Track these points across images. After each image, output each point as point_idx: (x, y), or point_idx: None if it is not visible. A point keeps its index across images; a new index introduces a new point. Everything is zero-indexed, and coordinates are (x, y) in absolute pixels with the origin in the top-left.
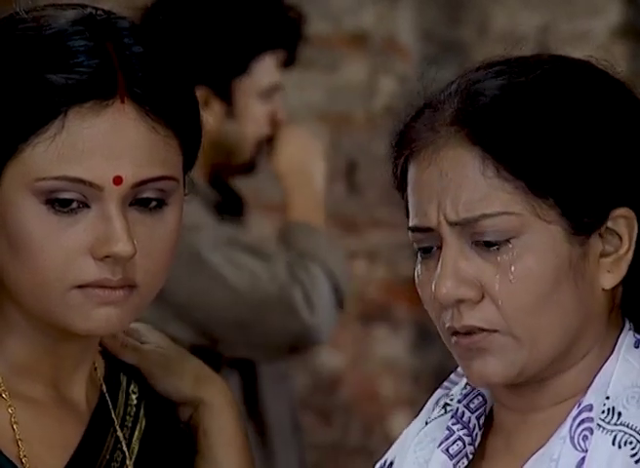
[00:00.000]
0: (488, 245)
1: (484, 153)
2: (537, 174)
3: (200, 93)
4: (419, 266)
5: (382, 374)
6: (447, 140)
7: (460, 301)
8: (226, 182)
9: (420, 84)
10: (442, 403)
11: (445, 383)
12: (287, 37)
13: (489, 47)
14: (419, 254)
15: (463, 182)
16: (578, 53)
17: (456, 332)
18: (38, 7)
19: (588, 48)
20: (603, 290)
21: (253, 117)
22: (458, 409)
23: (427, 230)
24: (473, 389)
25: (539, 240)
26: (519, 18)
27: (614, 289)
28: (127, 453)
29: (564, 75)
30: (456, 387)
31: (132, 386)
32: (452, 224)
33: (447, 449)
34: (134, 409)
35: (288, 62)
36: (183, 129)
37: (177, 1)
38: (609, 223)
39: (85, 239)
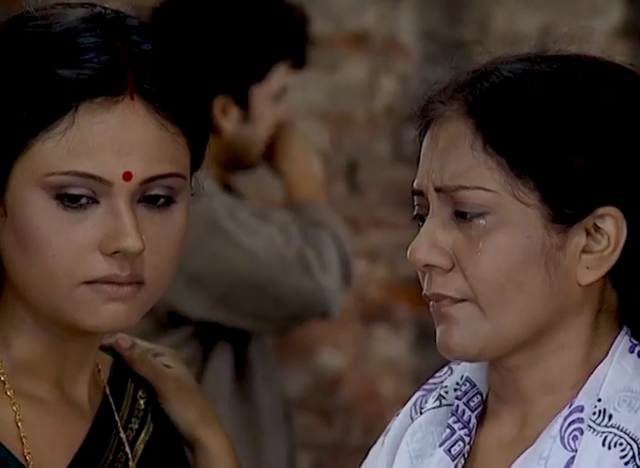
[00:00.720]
0: (462, 216)
1: (476, 126)
2: (518, 152)
3: (219, 100)
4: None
5: (383, 374)
6: (451, 114)
7: (430, 267)
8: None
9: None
10: (435, 394)
11: (424, 386)
12: (299, 42)
13: (490, 47)
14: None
15: (453, 152)
16: (578, 52)
17: (428, 300)
18: (47, 6)
19: (589, 48)
20: (579, 285)
21: (266, 121)
22: (458, 406)
23: (419, 193)
24: (473, 386)
25: (512, 219)
26: (520, 18)
27: (602, 289)
28: (129, 455)
29: (578, 70)
30: (449, 379)
31: (140, 392)
32: (436, 191)
33: (449, 450)
34: (141, 412)
35: (298, 65)
36: (192, 127)
37: (192, 10)
38: (597, 221)
39: (94, 234)
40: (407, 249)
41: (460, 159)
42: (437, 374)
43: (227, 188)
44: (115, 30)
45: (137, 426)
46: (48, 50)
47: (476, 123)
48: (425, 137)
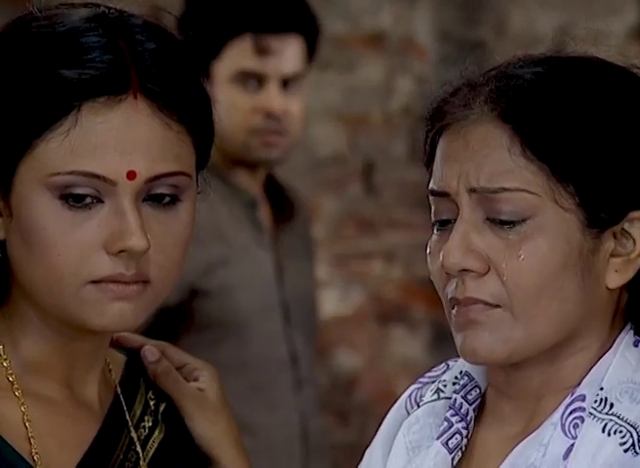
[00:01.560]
0: (502, 223)
1: (513, 131)
2: (561, 159)
3: None
4: (433, 238)
5: (400, 375)
6: (479, 117)
7: (465, 272)
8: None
9: (463, 67)
10: (434, 387)
11: (420, 379)
12: (253, 18)
13: (507, 47)
14: (434, 228)
15: (489, 154)
16: (595, 52)
17: (454, 307)
18: (51, 6)
19: (605, 48)
20: (607, 288)
21: (231, 104)
22: (456, 399)
23: (444, 195)
24: (471, 380)
25: (552, 224)
26: (536, 18)
27: (619, 292)
28: (141, 454)
29: (602, 75)
30: (447, 373)
31: (150, 394)
32: (470, 192)
33: (446, 443)
34: (152, 412)
35: (310, 58)
36: (196, 125)
37: None
38: (625, 225)
39: (99, 234)
40: (425, 249)
41: (497, 162)
42: (434, 369)
43: (227, 184)
44: (118, 29)
45: (150, 424)
46: (51, 50)
47: (513, 128)
48: (446, 140)
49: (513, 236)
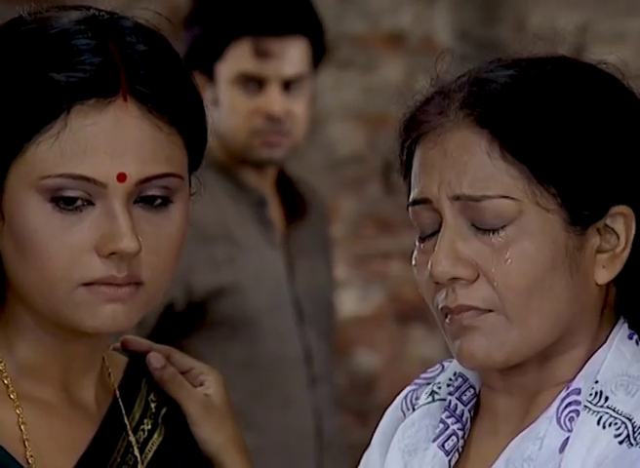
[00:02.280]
0: (486, 229)
1: (491, 135)
2: (541, 160)
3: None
4: (416, 252)
5: None
6: (455, 123)
7: (454, 280)
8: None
9: (433, 73)
10: (428, 390)
11: (416, 380)
12: (254, 20)
13: (526, 46)
14: (417, 240)
15: (469, 161)
16: (615, 52)
17: (446, 315)
18: (42, 9)
19: (625, 47)
20: (596, 285)
21: (232, 106)
22: (450, 401)
23: (426, 202)
24: (465, 381)
25: (536, 225)
26: (556, 17)
27: (607, 287)
28: (139, 458)
29: (573, 73)
30: (441, 375)
31: (151, 396)
32: (453, 199)
33: (443, 445)
34: (153, 415)
35: (316, 59)
36: (188, 126)
37: None
38: (607, 220)
39: (90, 236)
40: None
41: (478, 167)
42: (429, 370)
43: (236, 183)
44: (108, 32)
45: (149, 427)
46: (41, 52)
47: (491, 132)
48: (423, 149)
49: (498, 241)
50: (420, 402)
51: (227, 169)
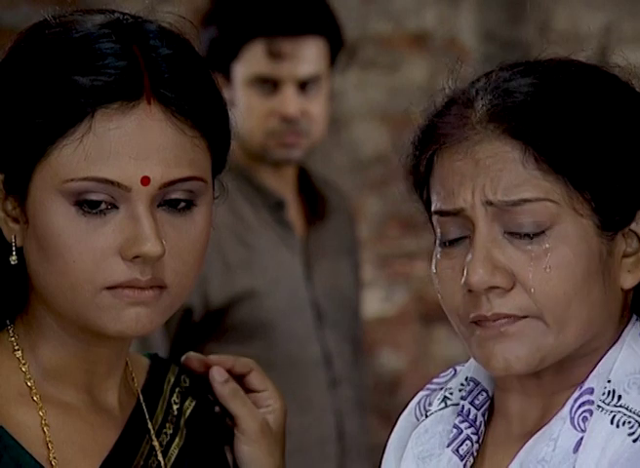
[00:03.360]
0: (522, 236)
1: (525, 146)
2: (577, 168)
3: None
4: (438, 256)
5: None
6: (484, 136)
7: (491, 289)
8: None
9: (448, 81)
10: (440, 396)
11: (428, 386)
12: (267, 26)
13: (551, 47)
14: (438, 245)
15: (503, 169)
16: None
17: (478, 322)
18: (67, 13)
19: None
20: (622, 289)
21: (248, 107)
22: (463, 406)
23: (457, 213)
24: (477, 385)
25: (573, 231)
26: (581, 17)
27: (628, 291)
28: (162, 462)
29: (590, 77)
30: (453, 380)
31: (174, 397)
32: (487, 205)
33: (457, 450)
34: (175, 418)
35: (334, 57)
36: (211, 130)
37: None
38: (632, 225)
39: (114, 240)
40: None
41: (513, 175)
42: (442, 374)
43: (254, 186)
44: (133, 35)
45: (171, 431)
46: (65, 56)
47: (524, 143)
48: (449, 160)
49: (536, 248)
50: (433, 408)
51: (245, 171)
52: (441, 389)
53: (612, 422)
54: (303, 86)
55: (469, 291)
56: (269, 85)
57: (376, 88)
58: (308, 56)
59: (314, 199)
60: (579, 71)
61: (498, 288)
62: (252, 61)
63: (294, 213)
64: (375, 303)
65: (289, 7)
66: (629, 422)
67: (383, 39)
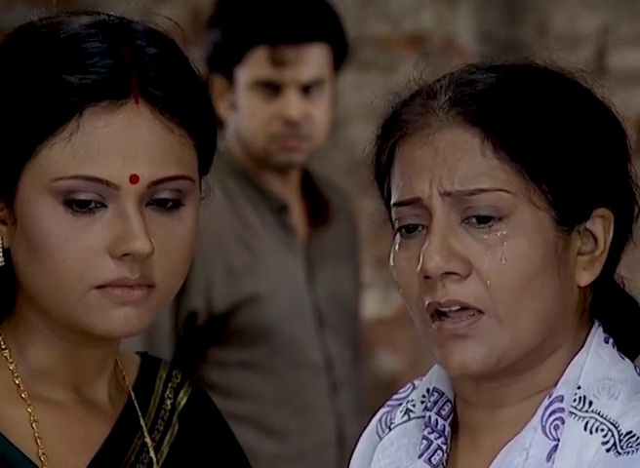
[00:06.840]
0: (480, 221)
1: (484, 133)
2: (534, 158)
3: (216, 82)
4: (396, 246)
5: None
6: (445, 123)
7: (446, 275)
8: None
9: (412, 75)
10: (403, 408)
11: (388, 402)
12: (270, 34)
13: (548, 48)
14: (397, 235)
15: (461, 158)
16: (637, 54)
17: (437, 317)
18: (53, 14)
19: None
20: (578, 287)
21: (251, 111)
22: (430, 417)
23: (415, 202)
24: (441, 395)
25: (529, 222)
26: (579, 18)
27: (585, 290)
28: (154, 458)
29: (550, 78)
30: (414, 393)
31: (167, 392)
32: (444, 195)
33: (429, 460)
34: (167, 413)
35: (337, 62)
36: (198, 129)
37: None
38: (587, 223)
39: (103, 238)
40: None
41: (471, 164)
42: (401, 390)
43: (257, 189)
44: (119, 35)
45: (162, 428)
46: (53, 55)
47: (483, 130)
48: (409, 149)
49: (492, 237)
50: (396, 421)
51: (249, 174)
52: (400, 404)
53: (585, 428)
54: (307, 90)
55: (426, 278)
56: (272, 89)
57: (373, 89)
58: (311, 61)
59: (317, 203)
60: (541, 70)
61: (454, 274)
62: (255, 67)
63: (297, 216)
64: (372, 304)
65: (292, 14)
66: (602, 429)
67: (381, 40)
